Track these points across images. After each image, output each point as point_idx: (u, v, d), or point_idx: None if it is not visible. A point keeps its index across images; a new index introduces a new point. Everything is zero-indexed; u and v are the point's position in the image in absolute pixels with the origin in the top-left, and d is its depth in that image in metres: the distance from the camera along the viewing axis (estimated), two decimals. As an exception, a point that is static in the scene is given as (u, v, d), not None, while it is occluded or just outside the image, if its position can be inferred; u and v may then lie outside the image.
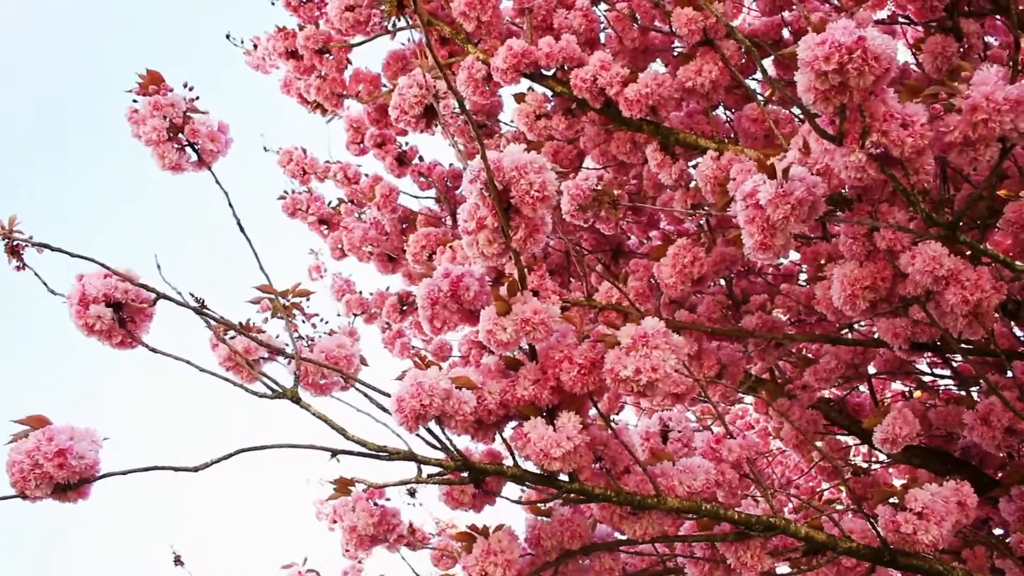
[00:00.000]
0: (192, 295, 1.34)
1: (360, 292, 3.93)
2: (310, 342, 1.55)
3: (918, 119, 1.48)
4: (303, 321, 1.53)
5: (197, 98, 1.58)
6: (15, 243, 1.31)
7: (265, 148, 3.56)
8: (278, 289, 1.49)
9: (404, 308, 3.61)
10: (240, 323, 1.47)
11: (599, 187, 2.15)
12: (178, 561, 2.44)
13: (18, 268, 1.33)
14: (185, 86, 1.58)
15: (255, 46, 3.17)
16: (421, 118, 2.47)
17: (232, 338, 1.46)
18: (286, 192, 3.56)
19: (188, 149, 1.56)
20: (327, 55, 2.97)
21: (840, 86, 1.42)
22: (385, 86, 3.02)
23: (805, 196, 1.50)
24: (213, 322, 1.38)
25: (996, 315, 1.92)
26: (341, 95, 3.06)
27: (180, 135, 1.54)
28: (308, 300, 1.54)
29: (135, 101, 1.57)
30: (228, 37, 3.20)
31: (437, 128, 2.94)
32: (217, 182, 1.53)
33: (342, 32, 2.87)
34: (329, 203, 3.58)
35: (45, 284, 1.35)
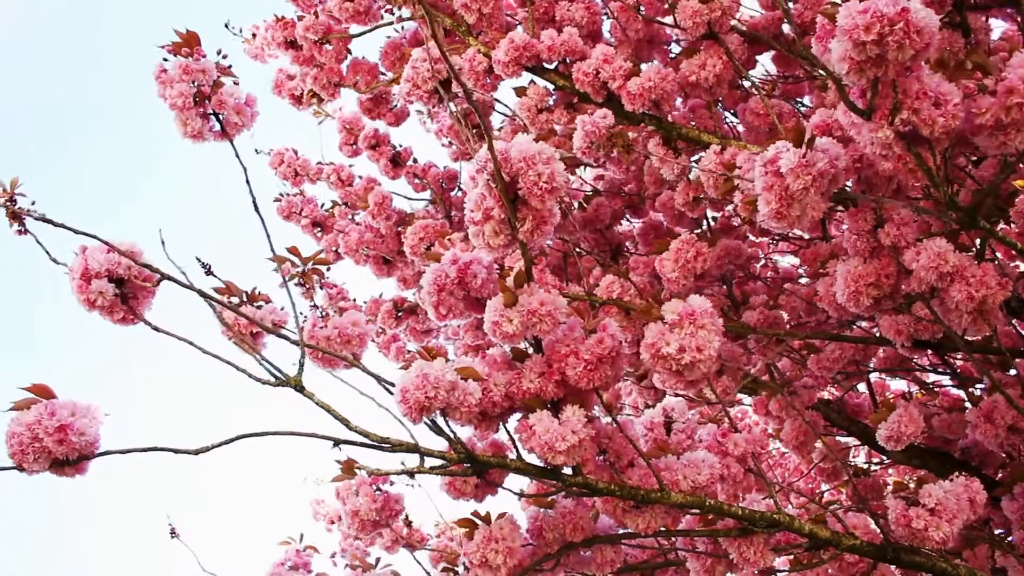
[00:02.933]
0: (198, 259, 1.32)
1: (354, 300, 3.89)
2: (324, 313, 1.52)
3: (951, 99, 1.44)
4: (320, 287, 1.50)
5: (230, 66, 1.54)
6: (16, 208, 1.28)
7: (257, 150, 3.51)
8: (295, 262, 1.47)
9: (399, 314, 3.58)
10: (246, 292, 1.44)
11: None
12: (174, 533, 2.40)
13: (19, 232, 1.29)
14: (219, 53, 1.54)
15: (254, 35, 3.13)
16: (433, 93, 2.42)
17: (237, 305, 1.42)
18: (281, 195, 3.52)
19: (212, 118, 1.52)
20: (326, 45, 2.94)
21: (877, 58, 1.37)
22: (383, 74, 3.00)
23: (827, 168, 1.48)
24: (216, 295, 1.35)
25: (1000, 312, 1.91)
26: (338, 85, 3.03)
27: (207, 102, 1.50)
28: (328, 269, 1.51)
29: (165, 60, 1.53)
30: (227, 26, 3.17)
31: (426, 122, 2.91)
32: (237, 156, 1.49)
33: (341, 22, 2.84)
34: (322, 205, 3.54)
35: (47, 252, 1.32)
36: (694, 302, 1.39)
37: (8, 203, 1.27)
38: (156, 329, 1.35)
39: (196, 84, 1.50)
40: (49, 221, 1.27)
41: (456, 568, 1.56)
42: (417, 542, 2.09)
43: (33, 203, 1.29)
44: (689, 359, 1.35)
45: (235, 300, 1.47)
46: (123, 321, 1.37)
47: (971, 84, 1.50)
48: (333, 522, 3.38)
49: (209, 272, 1.34)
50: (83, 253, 1.35)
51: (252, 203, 1.37)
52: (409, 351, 3.85)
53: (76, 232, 1.28)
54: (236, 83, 1.55)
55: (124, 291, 1.38)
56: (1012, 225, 2.02)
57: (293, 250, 1.48)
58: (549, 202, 1.36)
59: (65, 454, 1.18)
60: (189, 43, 1.53)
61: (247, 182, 1.39)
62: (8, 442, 1.18)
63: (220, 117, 1.52)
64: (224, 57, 1.55)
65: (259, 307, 1.48)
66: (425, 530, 2.26)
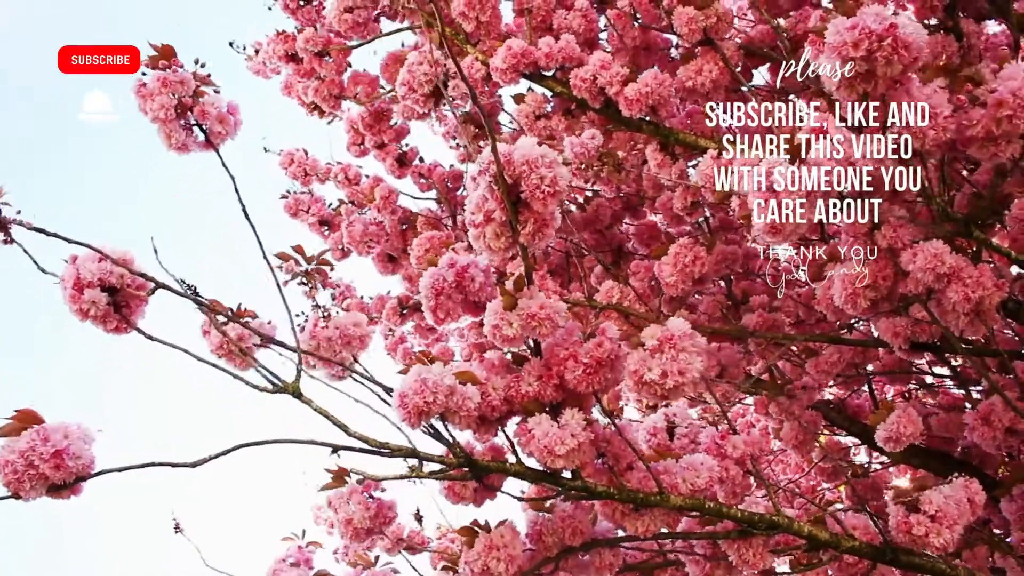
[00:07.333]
0: (183, 282, 1.31)
1: (361, 297, 3.92)
2: (326, 312, 1.52)
3: (941, 111, 1.45)
4: (323, 286, 1.50)
5: (209, 75, 1.53)
6: (2, 216, 1.24)
7: (266, 149, 3.55)
8: (300, 260, 1.47)
9: (404, 311, 3.60)
10: (231, 309, 1.43)
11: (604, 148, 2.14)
12: (177, 528, 2.40)
13: (5, 242, 1.25)
14: (196, 62, 1.54)
15: (256, 51, 3.17)
16: (429, 97, 2.42)
17: (224, 324, 1.42)
18: (288, 192, 3.55)
19: (196, 129, 1.52)
20: (326, 58, 2.97)
21: (867, 74, 1.39)
22: (383, 88, 3.02)
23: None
24: (205, 306, 1.35)
25: (998, 313, 1.91)
26: (339, 97, 3.06)
27: (189, 113, 1.51)
28: (332, 268, 1.50)
29: (144, 74, 1.53)
30: (231, 45, 3.20)
31: (433, 124, 2.92)
32: (224, 165, 1.48)
33: (341, 34, 2.87)
34: (330, 204, 3.57)
35: (35, 262, 1.29)
36: (673, 325, 1.39)
37: None
38: (150, 338, 1.34)
39: (176, 96, 1.50)
40: (41, 231, 1.25)
41: (456, 569, 1.57)
42: (417, 544, 2.09)
43: (19, 212, 1.25)
44: (672, 383, 1.35)
45: (221, 318, 1.46)
46: (116, 330, 1.37)
47: (962, 96, 1.51)
48: (333, 526, 3.39)
49: (195, 293, 1.34)
50: (74, 263, 1.34)
51: (242, 211, 1.37)
52: (416, 352, 3.88)
53: (69, 241, 1.27)
54: (217, 91, 1.55)
55: (117, 300, 1.37)
56: (1007, 228, 2.02)
57: (298, 248, 1.48)
58: (551, 206, 1.35)
59: (63, 479, 1.17)
60: (166, 56, 1.53)
61: (236, 190, 1.38)
62: (2, 471, 1.16)
63: (203, 127, 1.52)
64: (203, 66, 1.54)
65: (246, 323, 1.48)
66: (426, 533, 2.26)
